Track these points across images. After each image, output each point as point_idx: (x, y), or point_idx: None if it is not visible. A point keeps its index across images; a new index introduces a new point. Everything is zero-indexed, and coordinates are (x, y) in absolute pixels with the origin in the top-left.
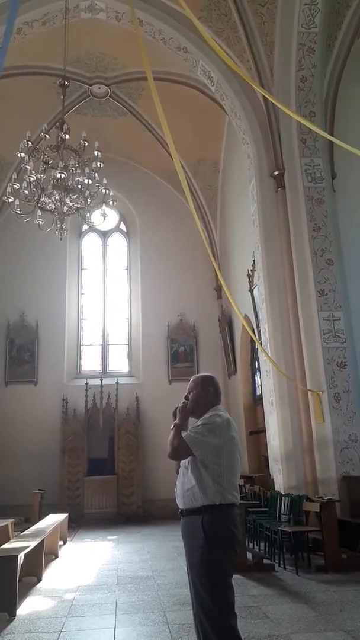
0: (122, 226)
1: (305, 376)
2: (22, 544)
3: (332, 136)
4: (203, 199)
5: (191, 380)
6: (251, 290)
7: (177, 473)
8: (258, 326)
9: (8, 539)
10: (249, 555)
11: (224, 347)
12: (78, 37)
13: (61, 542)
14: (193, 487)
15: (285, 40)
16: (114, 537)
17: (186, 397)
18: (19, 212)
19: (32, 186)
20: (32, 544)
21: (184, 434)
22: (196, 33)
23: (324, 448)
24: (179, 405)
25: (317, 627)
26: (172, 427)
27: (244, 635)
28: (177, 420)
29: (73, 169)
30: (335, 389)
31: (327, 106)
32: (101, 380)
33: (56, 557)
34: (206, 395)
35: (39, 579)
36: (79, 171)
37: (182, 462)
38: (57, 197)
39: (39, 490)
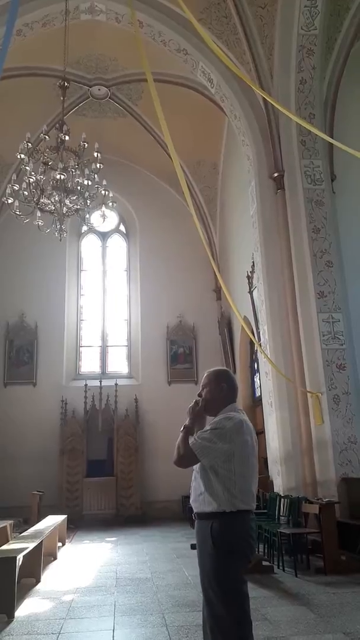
0: (122, 227)
1: (304, 378)
2: (21, 546)
3: (332, 138)
4: (202, 200)
5: (205, 375)
6: (250, 292)
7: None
8: (257, 327)
9: (7, 541)
10: None
11: (223, 349)
12: (78, 39)
13: (60, 544)
14: (203, 493)
15: (285, 42)
16: (113, 538)
17: (199, 394)
18: (18, 213)
19: (31, 187)
20: (31, 545)
21: (191, 440)
22: (196, 35)
23: (323, 450)
24: (191, 404)
25: (317, 629)
26: (182, 428)
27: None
28: (187, 422)
29: (73, 170)
30: (335, 390)
31: (327, 108)
32: (100, 381)
33: (55, 558)
34: (219, 392)
35: (38, 581)
36: (79, 172)
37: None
38: (56, 198)
39: (38, 491)
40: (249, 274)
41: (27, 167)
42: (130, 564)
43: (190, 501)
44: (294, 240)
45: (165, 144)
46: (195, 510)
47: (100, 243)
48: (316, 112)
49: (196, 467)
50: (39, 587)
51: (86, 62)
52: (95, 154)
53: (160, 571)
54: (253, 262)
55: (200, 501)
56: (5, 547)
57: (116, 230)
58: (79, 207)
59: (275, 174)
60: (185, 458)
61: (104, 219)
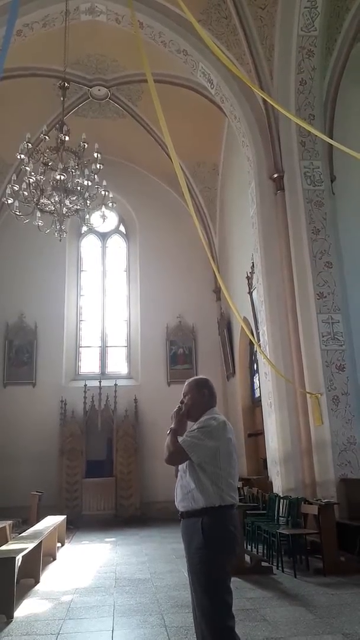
0: (122, 228)
1: (303, 378)
2: (20, 546)
3: (332, 139)
4: (202, 201)
5: (186, 383)
6: (250, 293)
7: (176, 476)
8: (257, 328)
9: (6, 541)
10: (247, 558)
11: (223, 349)
12: (78, 39)
13: (59, 544)
14: (192, 490)
15: (285, 43)
16: (112, 539)
17: (182, 402)
18: (18, 213)
19: (31, 187)
20: (30, 545)
21: (180, 438)
22: (196, 36)
23: (322, 450)
24: (174, 410)
25: (316, 630)
26: (168, 431)
27: (242, 639)
28: (172, 425)
29: (72, 170)
30: (334, 391)
31: (327, 109)
32: (100, 381)
33: (54, 559)
34: (201, 398)
35: (37, 581)
36: (79, 173)
37: (180, 465)
38: (56, 199)
39: (37, 491)
40: (249, 274)
41: (27, 168)
42: (129, 565)
43: (177, 502)
44: (294, 241)
45: (165, 145)
46: (182, 510)
47: (100, 243)
48: (316, 113)
49: (182, 467)
50: (38, 587)
51: (86, 63)
52: (95, 155)
53: (159, 572)
54: (253, 262)
55: (189, 499)
56: (4, 547)
57: (116, 230)
58: (78, 207)
59: (275, 175)
60: (176, 455)
61: (104, 219)
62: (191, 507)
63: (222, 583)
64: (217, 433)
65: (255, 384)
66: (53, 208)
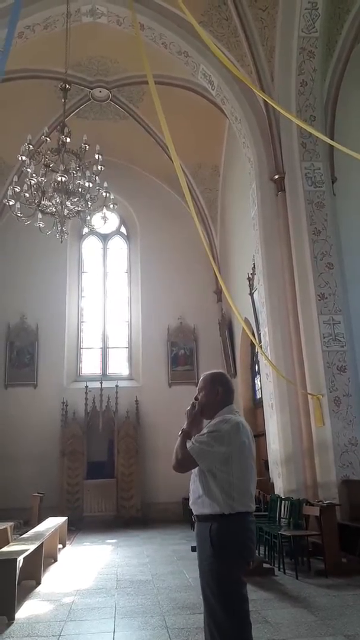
0: (123, 229)
1: (305, 380)
2: (21, 548)
3: (333, 140)
4: (203, 202)
5: (200, 378)
6: (251, 294)
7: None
8: (258, 329)
9: (7, 542)
10: None
11: (224, 351)
12: (79, 41)
13: (60, 546)
14: (201, 496)
15: (286, 45)
16: (113, 540)
17: (196, 398)
18: (19, 215)
19: (32, 189)
20: (31, 547)
21: (188, 444)
22: (197, 37)
23: (324, 452)
24: (188, 408)
25: (317, 632)
26: (179, 432)
27: None
28: (184, 426)
29: (74, 172)
30: (335, 392)
31: (328, 110)
32: (101, 383)
33: (55, 560)
34: (215, 395)
35: (38, 583)
36: (80, 174)
37: None
38: (57, 200)
39: (38, 493)
40: (250, 275)
41: (29, 169)
42: (130, 566)
43: (190, 503)
44: (295, 242)
45: (166, 146)
46: (194, 513)
47: (101, 245)
48: (317, 114)
49: (193, 470)
50: (39, 589)
51: (87, 65)
52: (97, 156)
53: (160, 573)
54: (254, 264)
55: (199, 504)
56: (5, 549)
57: (117, 232)
58: (80, 209)
59: (276, 176)
60: (184, 463)
61: (105, 220)
62: (200, 512)
63: (235, 592)
64: (229, 438)
65: (256, 385)
66: (54, 209)
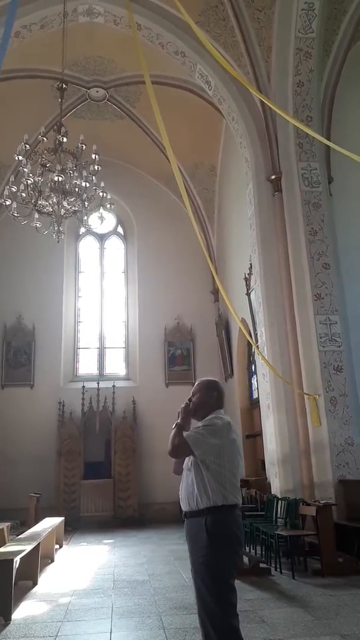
0: (120, 229)
1: (301, 380)
2: (18, 548)
3: (329, 140)
4: (200, 202)
5: (197, 382)
6: (248, 294)
7: (175, 472)
8: (255, 329)
9: (4, 543)
10: (246, 559)
11: (221, 351)
12: (76, 41)
13: (57, 546)
14: (196, 488)
15: (283, 45)
16: (110, 540)
17: (189, 399)
18: (16, 214)
19: (29, 189)
20: (28, 547)
21: (185, 433)
22: (194, 37)
23: (320, 452)
24: (182, 405)
25: (314, 632)
26: (173, 426)
27: None
28: (178, 420)
29: (70, 172)
30: (332, 392)
31: (324, 110)
32: (98, 383)
33: (52, 560)
34: (209, 398)
35: (35, 583)
36: (77, 174)
37: (185, 464)
38: (54, 200)
39: (35, 493)
40: (247, 276)
41: (25, 169)
42: (127, 566)
43: (181, 499)
44: (291, 242)
45: (163, 146)
46: (186, 509)
47: (98, 245)
48: (313, 115)
49: (186, 465)
50: (36, 589)
51: (84, 64)
52: (93, 156)
53: (157, 573)
54: (250, 264)
55: (193, 497)
56: (2, 549)
57: (114, 232)
58: (76, 208)
59: (273, 177)
60: (180, 448)
61: (102, 220)
62: (195, 506)
63: (225, 582)
64: (221, 432)
65: (253, 385)
66: (51, 209)
